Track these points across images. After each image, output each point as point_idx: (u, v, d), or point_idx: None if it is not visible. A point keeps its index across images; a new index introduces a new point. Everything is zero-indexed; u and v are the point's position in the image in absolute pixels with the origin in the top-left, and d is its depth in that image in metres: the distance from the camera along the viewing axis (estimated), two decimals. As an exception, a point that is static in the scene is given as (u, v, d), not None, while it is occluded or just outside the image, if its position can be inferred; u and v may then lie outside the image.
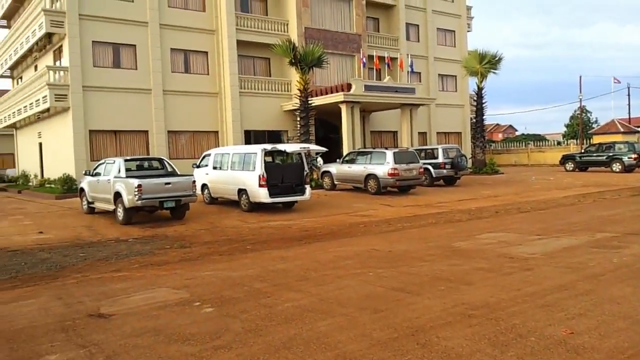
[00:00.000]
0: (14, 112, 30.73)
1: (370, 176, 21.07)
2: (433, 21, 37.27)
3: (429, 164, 24.20)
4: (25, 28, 27.40)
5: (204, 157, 19.77)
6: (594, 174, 29.62)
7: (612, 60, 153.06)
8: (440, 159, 24.41)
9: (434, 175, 24.33)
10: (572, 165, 32.54)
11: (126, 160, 15.60)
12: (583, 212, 14.67)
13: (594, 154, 31.62)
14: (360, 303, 6.20)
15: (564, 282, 6.93)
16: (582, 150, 34.90)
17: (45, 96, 23.93)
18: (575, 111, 64.99)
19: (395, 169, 20.38)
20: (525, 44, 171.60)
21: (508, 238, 10.51)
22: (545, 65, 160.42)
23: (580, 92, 44.82)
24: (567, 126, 67.90)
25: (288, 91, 29.11)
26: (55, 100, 23.71)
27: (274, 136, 29.03)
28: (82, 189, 17.19)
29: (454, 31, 39.03)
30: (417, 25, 36.61)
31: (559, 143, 46.47)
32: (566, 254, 8.70)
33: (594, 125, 62.37)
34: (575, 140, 45.40)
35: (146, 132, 25.90)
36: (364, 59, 30.19)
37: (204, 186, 18.87)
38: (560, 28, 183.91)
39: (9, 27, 34.55)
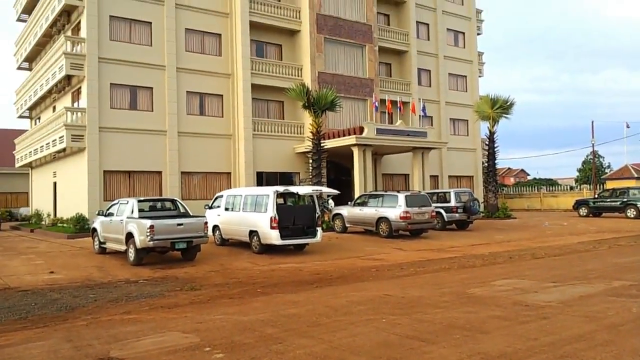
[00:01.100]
0: (31, 152, 31.25)
1: (382, 219, 20.97)
2: (445, 66, 37.78)
3: (441, 207, 24.09)
4: (46, 70, 28.14)
5: (216, 199, 19.84)
6: (608, 220, 29.27)
7: (624, 105, 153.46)
8: (453, 203, 24.30)
9: (446, 219, 24.17)
10: (586, 211, 32.22)
11: (139, 201, 15.70)
12: (599, 258, 14.43)
13: (608, 200, 31.33)
14: (374, 351, 6.07)
15: (582, 331, 6.76)
16: (596, 196, 34.62)
17: (62, 136, 24.35)
18: (587, 156, 64.86)
19: (407, 212, 20.29)
20: (535, 89, 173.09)
21: (523, 285, 10.33)
22: (557, 110, 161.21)
23: (593, 137, 44.81)
24: (579, 171, 67.63)
25: (301, 133, 29.39)
26: (72, 141, 24.10)
27: (286, 178, 29.17)
28: (94, 229, 17.26)
29: (465, 76, 39.49)
30: (429, 71, 37.11)
31: (571, 188, 46.19)
32: (583, 303, 8.52)
33: (606, 170, 62.09)
34: (588, 185, 45.10)
35: (160, 172, 26.14)
36: (376, 103, 30.52)
37: (215, 227, 18.88)
38: (570, 74, 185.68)
39: (30, 69, 35.49)
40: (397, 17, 35.78)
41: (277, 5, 29.55)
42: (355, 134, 26.89)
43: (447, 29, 38.46)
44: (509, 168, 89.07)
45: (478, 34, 40.64)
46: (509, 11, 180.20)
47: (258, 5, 28.67)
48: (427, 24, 37.24)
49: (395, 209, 20.56)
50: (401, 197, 20.69)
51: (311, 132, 25.80)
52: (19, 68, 36.80)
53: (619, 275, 11.19)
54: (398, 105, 31.09)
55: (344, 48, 31.20)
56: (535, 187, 46.94)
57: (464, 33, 39.61)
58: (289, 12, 29.84)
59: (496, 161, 33.43)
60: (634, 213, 29.31)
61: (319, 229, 17.08)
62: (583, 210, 32.43)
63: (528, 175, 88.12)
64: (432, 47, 37.31)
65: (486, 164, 34.04)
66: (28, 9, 33.82)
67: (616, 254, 15.37)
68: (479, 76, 40.28)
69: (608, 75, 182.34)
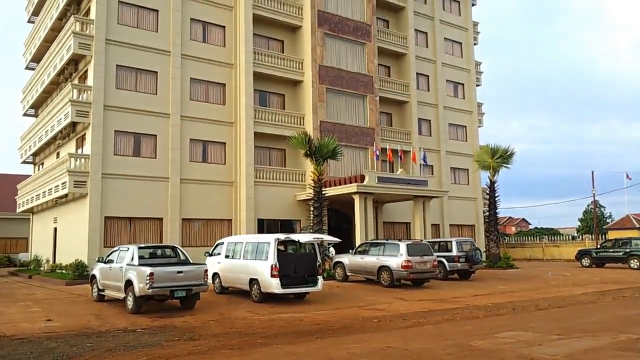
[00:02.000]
0: (33, 197, 31.35)
1: (383, 268, 20.80)
2: (445, 116, 38.31)
3: (443, 256, 23.93)
4: (52, 117, 28.55)
5: (216, 246, 19.75)
6: (612, 270, 29.00)
7: (622, 155, 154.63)
8: (455, 252, 24.15)
9: (448, 269, 23.96)
10: (589, 261, 31.97)
11: (140, 248, 15.63)
12: (603, 310, 14.23)
13: (611, 250, 31.13)
14: (376, 406, 5.92)
15: (590, 387, 6.61)
16: (598, 246, 34.42)
17: (65, 182, 24.48)
18: (588, 205, 64.88)
19: (408, 261, 20.15)
20: (534, 138, 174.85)
21: (527, 337, 10.15)
22: (556, 159, 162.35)
23: (594, 187, 44.92)
24: (581, 220, 67.47)
25: (302, 181, 29.53)
26: (74, 187, 24.21)
27: (287, 225, 29.10)
28: (93, 276, 17.12)
29: (465, 126, 39.98)
30: (429, 120, 37.61)
31: (573, 238, 45.96)
32: (589, 357, 8.36)
33: (608, 220, 61.92)
34: (590, 235, 44.88)
35: (161, 219, 26.12)
36: (377, 152, 30.80)
37: (215, 275, 18.71)
38: (568, 124, 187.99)
39: (36, 116, 36.02)
40: (397, 68, 36.54)
41: (281, 57, 30.24)
42: (356, 182, 27.02)
43: (447, 80, 39.20)
44: (510, 217, 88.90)
45: (477, 85, 41.38)
46: (506, 63, 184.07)
47: (262, 57, 29.33)
48: (427, 76, 37.99)
49: (396, 258, 20.43)
50: (403, 245, 20.58)
51: (312, 180, 25.94)
52: (25, 114, 37.35)
53: (624, 328, 11.01)
54: (399, 154, 31.36)
55: (345, 98, 31.73)
56: (537, 237, 46.70)
57: (463, 84, 40.35)
58: (292, 63, 30.50)
59: (497, 210, 33.41)
60: (637, 264, 29.07)
61: (320, 278, 16.92)
62: (586, 261, 32.17)
63: (529, 224, 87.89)
64: (432, 98, 37.93)
65: (487, 213, 34.00)
66: (37, 58, 34.64)
67: (621, 305, 15.16)
68: (479, 126, 40.77)
69: (606, 126, 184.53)
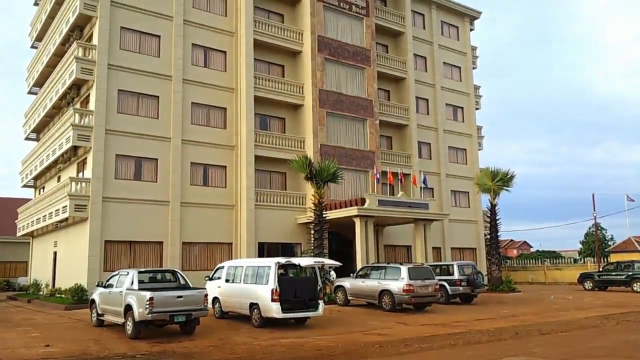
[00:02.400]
0: (33, 221, 31.31)
1: (384, 292, 20.66)
2: (445, 140, 38.47)
3: (445, 280, 23.77)
4: (53, 141, 28.67)
5: (217, 270, 19.65)
6: (615, 294, 28.78)
7: (623, 178, 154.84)
8: (456, 276, 24.00)
9: (450, 293, 23.78)
10: (591, 284, 31.77)
11: (140, 272, 15.56)
12: (607, 335, 14.09)
13: (613, 273, 30.94)
14: None
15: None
16: (601, 269, 34.24)
17: (66, 206, 24.47)
18: (589, 228, 64.61)
19: (410, 285, 20.02)
20: (533, 161, 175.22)
21: (531, 363, 10.03)
22: (556, 182, 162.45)
23: (595, 210, 44.83)
24: (582, 243, 67.10)
25: (303, 204, 29.51)
26: (75, 210, 24.20)
27: (288, 249, 29.00)
28: (92, 301, 17.00)
29: (465, 149, 40.11)
30: (429, 144, 37.76)
31: (575, 260, 45.72)
32: (594, 383, 8.25)
33: (610, 243, 61.62)
34: (592, 258, 44.68)
35: (161, 243, 26.04)
36: (378, 175, 30.84)
37: (215, 299, 18.57)
38: (568, 146, 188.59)
39: (37, 140, 36.16)
40: (397, 92, 36.81)
41: (282, 82, 30.50)
42: (357, 205, 27.01)
43: (446, 104, 39.46)
44: (511, 240, 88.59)
45: (476, 109, 41.62)
46: (504, 86, 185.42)
47: (263, 81, 29.58)
48: (427, 99, 38.25)
49: (398, 282, 20.30)
50: (404, 269, 20.48)
51: (313, 203, 25.92)
52: (27, 138, 37.51)
53: (629, 353, 10.89)
54: (399, 177, 31.40)
55: (345, 121, 31.90)
56: (539, 260, 46.47)
57: (462, 108, 40.60)
58: (293, 87, 30.75)
59: (499, 233, 33.31)
60: (641, 287, 28.85)
61: (321, 302, 16.79)
62: (588, 284, 31.97)
63: (531, 247, 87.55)
64: (432, 121, 38.14)
65: (489, 236, 33.91)
66: (39, 83, 34.94)
67: (625, 330, 15.02)
68: (479, 149, 40.90)
69: (605, 148, 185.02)
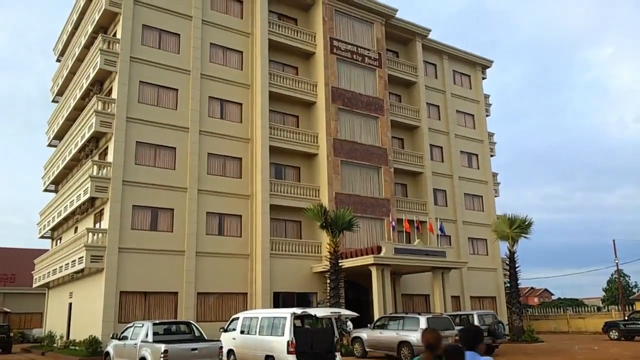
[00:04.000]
0: (49, 272, 31.40)
1: (403, 343, 20.18)
2: (460, 186, 38.33)
3: (464, 330, 23.13)
4: (72, 192, 29.04)
5: (232, 321, 19.41)
6: (643, 344, 27.76)
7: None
8: (476, 326, 23.38)
9: (470, 343, 23.09)
10: (617, 334, 30.71)
11: (155, 324, 15.45)
12: (637, 388, 13.50)
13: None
14: None
15: None
16: (626, 318, 33.16)
17: (82, 257, 24.54)
18: (612, 275, 63.12)
19: (429, 336, 19.50)
20: (550, 207, 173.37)
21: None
22: (573, 228, 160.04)
23: (616, 256, 43.90)
24: (605, 290, 65.49)
25: (318, 253, 29.31)
26: (91, 261, 24.25)
27: (303, 299, 28.61)
28: (107, 353, 16.84)
29: (481, 196, 39.88)
30: (445, 191, 37.63)
31: (599, 309, 44.45)
32: None
33: (634, 290, 60.10)
34: (616, 306, 43.41)
35: (176, 293, 25.88)
36: (394, 223, 30.64)
37: (230, 352, 18.25)
38: (583, 192, 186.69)
39: (56, 191, 36.70)
40: (411, 140, 37.02)
41: (296, 131, 30.90)
42: (373, 253, 26.74)
43: (461, 151, 39.53)
44: (531, 288, 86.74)
45: (491, 156, 41.58)
46: (515, 133, 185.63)
47: (278, 132, 29.97)
48: (441, 147, 38.38)
49: (417, 333, 19.82)
50: (423, 319, 20.05)
51: (329, 252, 25.74)
52: (46, 190, 38.12)
53: (661, 408, 10.40)
54: (415, 225, 31.16)
55: (360, 170, 32.01)
56: (561, 308, 45.24)
57: (477, 155, 40.62)
58: (307, 137, 31.09)
59: (519, 281, 32.61)
60: (669, 337, 27.86)
61: (338, 354, 16.44)
62: (614, 333, 30.92)
63: (552, 294, 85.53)
64: (447, 169, 38.13)
65: (508, 284, 33.20)
66: (59, 136, 35.76)
67: (655, 382, 14.40)
68: (495, 196, 40.62)
69: (622, 193, 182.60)
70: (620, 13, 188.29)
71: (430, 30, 38.23)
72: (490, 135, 42.13)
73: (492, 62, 43.32)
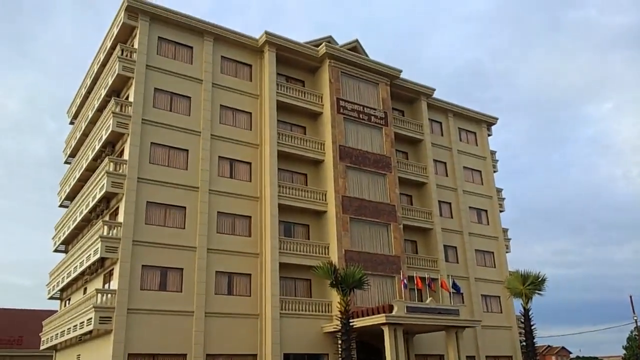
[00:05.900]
0: (57, 334, 31.01)
1: (417, 406, 19.51)
2: (471, 243, 38.03)
3: (481, 392, 22.42)
4: (82, 253, 29.07)
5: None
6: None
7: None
8: (493, 387, 22.65)
9: (487, 406, 22.33)
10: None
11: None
12: None
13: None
14: None
15: None
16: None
17: (90, 318, 24.29)
18: (632, 332, 61.25)
19: (444, 397, 18.91)
20: (560, 262, 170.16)
21: None
22: (587, 283, 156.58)
23: (634, 312, 42.82)
24: (626, 348, 63.44)
25: (329, 312, 28.85)
26: (100, 323, 23.99)
27: (314, 360, 27.94)
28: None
29: (492, 252, 39.47)
30: (455, 247, 37.32)
31: (621, 368, 42.96)
32: None
33: (655, 348, 58.07)
34: (638, 366, 41.94)
35: (184, 355, 25.39)
36: (405, 280, 30.24)
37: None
38: (593, 247, 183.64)
39: (66, 252, 36.73)
40: (419, 196, 37.08)
41: (305, 189, 31.09)
42: (384, 312, 26.27)
43: (470, 207, 39.46)
44: (549, 346, 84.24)
45: (501, 211, 41.42)
46: (522, 188, 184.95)
47: (287, 190, 30.17)
48: (449, 203, 38.37)
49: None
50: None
51: (339, 311, 25.26)
52: (56, 250, 38.12)
53: None
54: (427, 282, 30.71)
55: (369, 227, 31.94)
56: (581, 368, 43.78)
57: (486, 210, 40.51)
58: (316, 195, 31.25)
59: (535, 340, 31.68)
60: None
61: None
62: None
63: (570, 353, 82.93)
64: (456, 225, 37.97)
65: (524, 343, 32.25)
66: (71, 197, 36.14)
67: None
68: (507, 252, 40.18)
69: (632, 248, 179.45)
70: (616, 70, 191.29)
71: (434, 90, 39.01)
72: (499, 190, 42.15)
73: (496, 119, 43.90)
